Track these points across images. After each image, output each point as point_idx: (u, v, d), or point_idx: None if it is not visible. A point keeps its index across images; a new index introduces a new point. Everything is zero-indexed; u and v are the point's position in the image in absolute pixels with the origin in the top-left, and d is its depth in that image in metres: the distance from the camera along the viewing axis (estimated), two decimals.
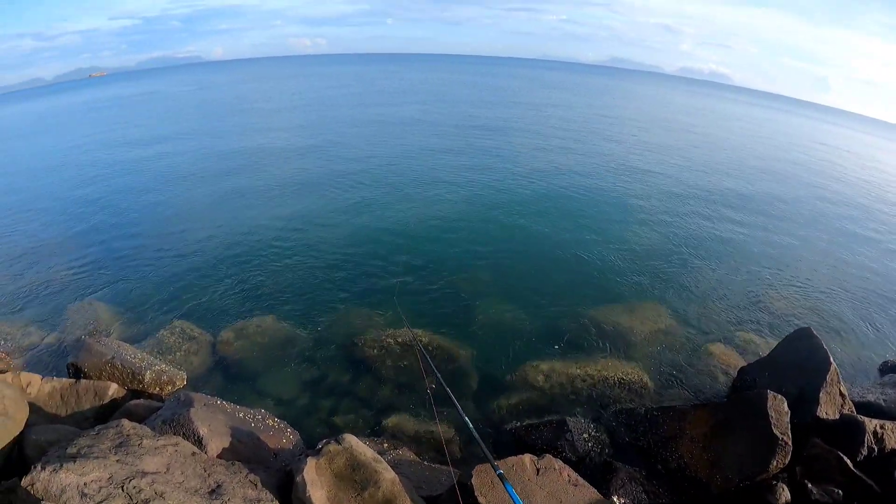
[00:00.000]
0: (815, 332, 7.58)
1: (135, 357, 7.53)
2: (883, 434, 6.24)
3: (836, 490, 5.66)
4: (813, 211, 20.89)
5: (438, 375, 5.51)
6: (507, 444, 6.76)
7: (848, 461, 5.86)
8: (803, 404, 6.57)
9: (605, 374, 8.42)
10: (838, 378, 6.82)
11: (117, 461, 3.87)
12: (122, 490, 3.58)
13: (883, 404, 7.25)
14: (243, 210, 15.96)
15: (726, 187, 22.04)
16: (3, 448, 4.82)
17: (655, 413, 6.63)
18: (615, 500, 5.40)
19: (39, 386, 6.27)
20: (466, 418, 4.53)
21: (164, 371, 7.50)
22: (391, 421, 7.24)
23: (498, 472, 3.61)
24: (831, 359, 6.91)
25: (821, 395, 6.57)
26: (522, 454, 5.02)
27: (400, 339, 8.89)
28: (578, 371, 8.44)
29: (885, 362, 9.45)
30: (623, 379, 8.34)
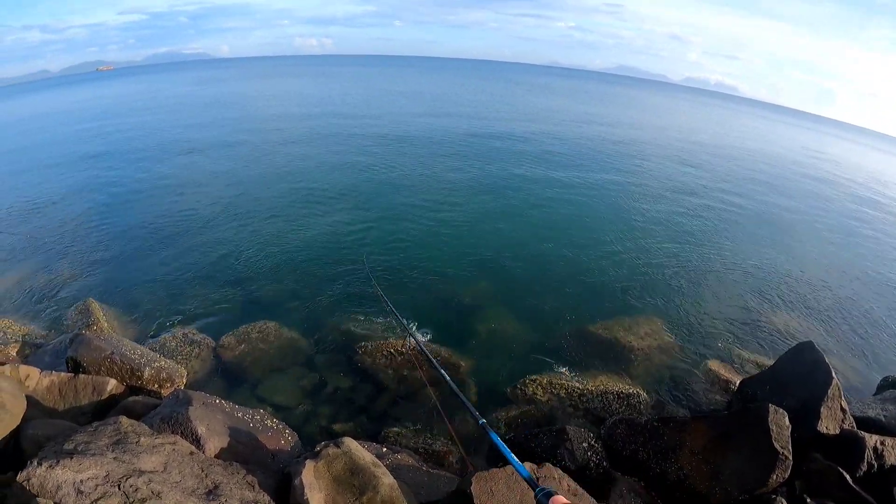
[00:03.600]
0: (816, 346, 7.47)
1: (134, 353, 7.45)
2: (883, 450, 6.19)
3: None
4: (814, 223, 20.90)
5: (446, 377, 5.47)
6: None
7: (847, 476, 5.83)
8: (804, 419, 6.48)
9: (604, 388, 8.39)
10: (840, 393, 6.73)
11: (114, 458, 3.83)
12: (119, 489, 3.54)
13: (883, 420, 7.14)
14: (251, 216, 15.86)
15: (728, 200, 22.01)
16: None
17: (655, 424, 6.53)
18: None
19: (38, 379, 6.23)
20: (466, 401, 4.48)
21: (163, 368, 7.44)
22: (391, 430, 7.23)
23: (481, 422, 3.96)
24: (833, 373, 6.82)
25: (822, 409, 6.50)
26: (522, 462, 4.96)
27: (401, 348, 8.86)
28: (577, 385, 8.42)
29: (886, 377, 9.35)
30: (622, 393, 8.31)
